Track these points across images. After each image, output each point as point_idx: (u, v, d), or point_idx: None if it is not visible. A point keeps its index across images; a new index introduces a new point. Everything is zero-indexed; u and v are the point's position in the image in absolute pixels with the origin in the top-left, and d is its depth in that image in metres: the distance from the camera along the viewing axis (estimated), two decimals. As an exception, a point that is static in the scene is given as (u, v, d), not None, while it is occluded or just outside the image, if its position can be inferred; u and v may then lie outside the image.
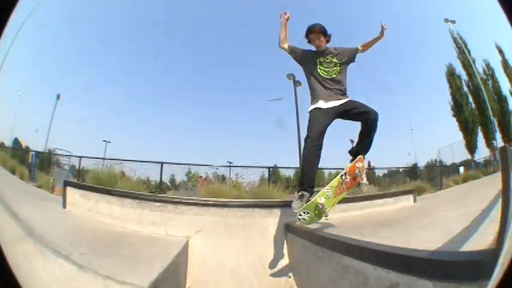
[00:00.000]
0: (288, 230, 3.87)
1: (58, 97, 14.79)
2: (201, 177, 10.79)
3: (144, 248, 3.01)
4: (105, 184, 5.56)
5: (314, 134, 3.03)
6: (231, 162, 11.74)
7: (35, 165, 11.04)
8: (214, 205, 3.84)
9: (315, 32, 3.25)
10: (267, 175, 10.86)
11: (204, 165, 10.89)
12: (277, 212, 4.16)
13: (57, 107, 13.88)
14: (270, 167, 11.29)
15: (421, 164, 14.95)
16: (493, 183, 1.96)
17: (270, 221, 4.07)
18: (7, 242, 2.18)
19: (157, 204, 3.75)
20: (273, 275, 3.49)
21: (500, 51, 12.84)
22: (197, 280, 3.42)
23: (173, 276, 2.70)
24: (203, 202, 3.80)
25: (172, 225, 3.76)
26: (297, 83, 12.67)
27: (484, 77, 13.37)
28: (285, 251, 3.82)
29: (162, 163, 10.77)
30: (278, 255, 3.67)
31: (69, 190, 4.74)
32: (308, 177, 3.08)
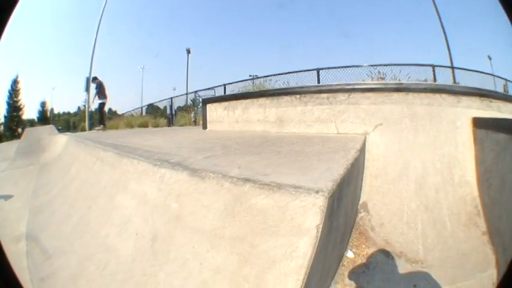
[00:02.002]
0: (477, 125, 2.79)
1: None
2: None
3: (312, 146, 2.29)
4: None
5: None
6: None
7: (172, 112, 12.55)
8: (396, 89, 2.95)
9: None
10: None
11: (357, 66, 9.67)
12: (465, 101, 3.07)
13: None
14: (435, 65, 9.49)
15: None
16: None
17: (458, 112, 3.01)
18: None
19: (324, 95, 3.09)
20: (460, 188, 2.66)
21: None
22: (375, 191, 2.62)
23: (353, 185, 1.95)
24: (382, 86, 2.96)
25: (345, 119, 3.05)
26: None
27: None
28: (473, 154, 2.79)
29: (318, 69, 10.07)
30: (465, 160, 2.81)
31: (210, 107, 4.57)
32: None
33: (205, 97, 5.77)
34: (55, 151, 5.72)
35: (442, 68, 9.85)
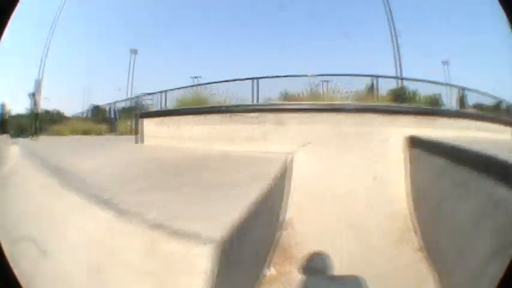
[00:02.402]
0: (413, 145, 2.88)
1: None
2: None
3: (231, 173, 2.38)
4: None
5: None
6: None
7: (115, 118, 12.34)
8: (327, 110, 3.00)
9: None
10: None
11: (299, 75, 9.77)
12: (400, 119, 3.19)
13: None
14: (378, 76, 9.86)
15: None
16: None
17: (391, 131, 3.11)
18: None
19: (253, 114, 3.07)
20: (390, 205, 2.80)
21: None
22: (301, 209, 2.74)
23: (271, 207, 2.14)
24: (313, 107, 2.99)
25: (273, 139, 3.11)
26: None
27: None
28: (408, 174, 2.94)
29: (257, 78, 10.21)
30: (398, 180, 2.93)
31: (146, 122, 4.44)
32: None
33: (142, 111, 5.64)
34: (9, 164, 5.30)
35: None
